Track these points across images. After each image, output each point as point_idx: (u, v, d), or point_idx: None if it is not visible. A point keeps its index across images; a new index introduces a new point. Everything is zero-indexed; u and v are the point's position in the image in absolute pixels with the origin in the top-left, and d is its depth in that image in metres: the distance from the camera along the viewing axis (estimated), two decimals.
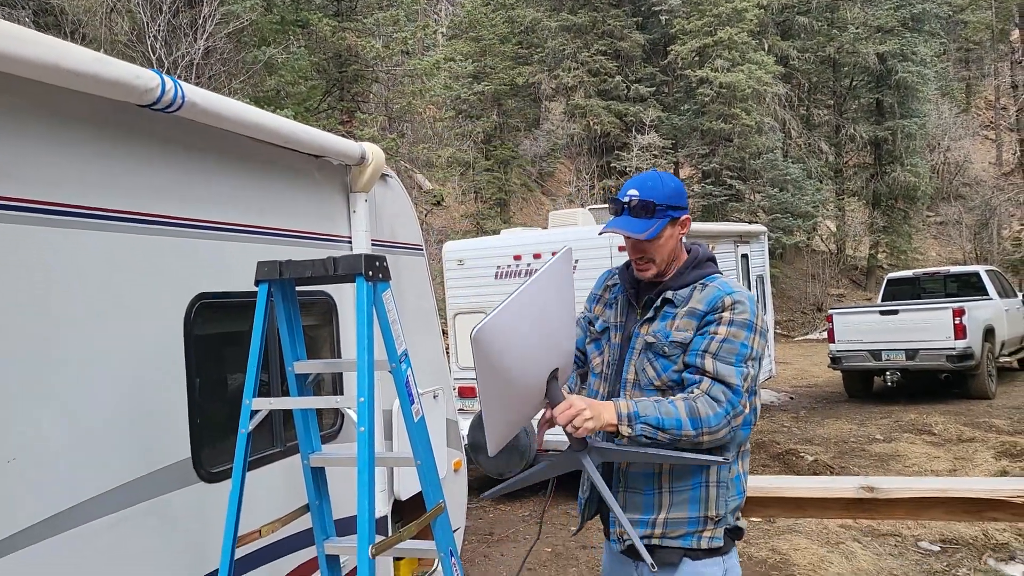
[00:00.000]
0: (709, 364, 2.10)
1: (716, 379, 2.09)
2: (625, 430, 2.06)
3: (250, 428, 2.30)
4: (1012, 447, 8.20)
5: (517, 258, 8.33)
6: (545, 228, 9.25)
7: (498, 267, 8.48)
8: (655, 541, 2.17)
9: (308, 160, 3.20)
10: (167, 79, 2.31)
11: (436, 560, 4.16)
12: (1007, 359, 12.88)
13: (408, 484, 3.65)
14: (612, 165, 24.20)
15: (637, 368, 2.23)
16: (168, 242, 2.48)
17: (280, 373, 2.89)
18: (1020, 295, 13.52)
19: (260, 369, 2.34)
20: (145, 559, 2.30)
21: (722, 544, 2.18)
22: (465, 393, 7.99)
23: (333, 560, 2.65)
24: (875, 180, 28.01)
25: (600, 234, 2.26)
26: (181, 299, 2.52)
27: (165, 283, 2.46)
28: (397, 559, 3.95)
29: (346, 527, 3.11)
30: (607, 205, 2.17)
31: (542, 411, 2.18)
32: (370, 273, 2.26)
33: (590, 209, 9.43)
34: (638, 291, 2.35)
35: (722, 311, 2.15)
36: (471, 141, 22.68)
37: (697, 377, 2.12)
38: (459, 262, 8.75)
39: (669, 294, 2.24)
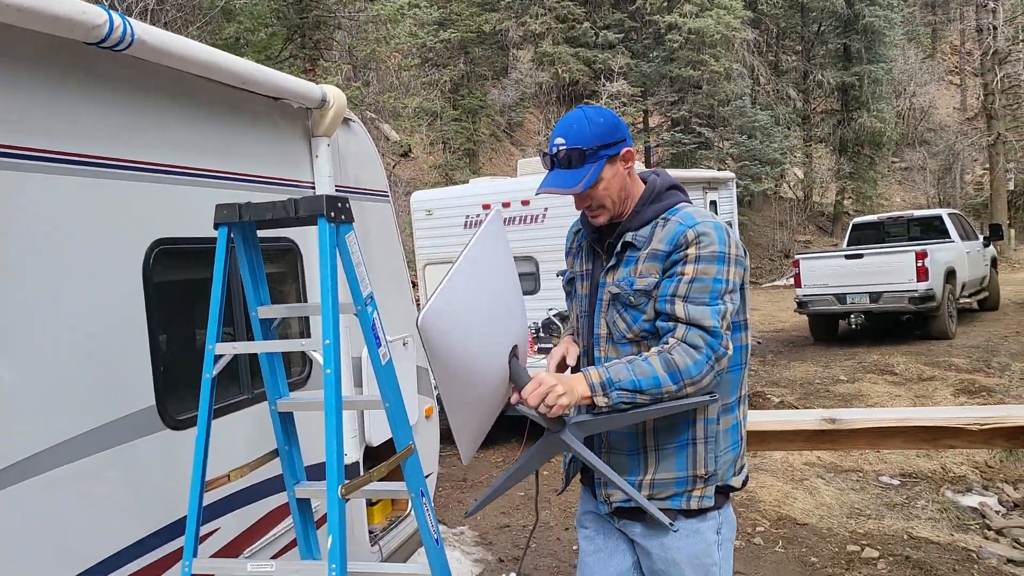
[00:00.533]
0: (680, 309, 1.92)
1: (691, 323, 1.91)
2: (601, 400, 1.91)
3: (214, 373, 2.27)
4: (971, 384, 8.44)
5: (486, 207, 8.27)
6: (514, 177, 9.19)
7: (467, 216, 8.43)
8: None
9: (267, 103, 3.12)
10: (115, 16, 2.22)
11: (409, 504, 4.21)
12: (967, 300, 13.18)
13: (379, 430, 3.66)
14: None
15: (608, 321, 2.07)
16: (124, 186, 2.41)
17: (245, 319, 2.86)
18: (981, 237, 13.77)
19: (222, 314, 2.31)
20: (113, 506, 2.28)
21: (713, 503, 2.04)
22: None
23: (304, 504, 2.66)
24: (842, 126, 28.15)
25: (537, 194, 2.07)
26: (139, 245, 2.46)
27: (122, 229, 2.39)
28: (371, 504, 3.98)
29: (317, 473, 3.12)
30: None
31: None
32: (332, 214, 2.23)
33: None
34: (600, 234, 2.16)
35: (686, 248, 1.95)
36: (438, 90, 22.32)
37: (671, 325, 1.94)
38: (427, 212, 8.68)
39: (629, 236, 2.05)
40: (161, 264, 2.52)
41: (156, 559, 2.41)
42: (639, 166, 2.00)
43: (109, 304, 2.33)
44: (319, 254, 2.22)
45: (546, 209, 7.76)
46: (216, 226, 2.32)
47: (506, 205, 8.13)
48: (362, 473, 3.63)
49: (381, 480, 2.49)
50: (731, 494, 2.14)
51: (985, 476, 5.83)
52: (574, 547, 5.16)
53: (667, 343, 1.92)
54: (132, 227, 2.43)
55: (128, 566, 2.32)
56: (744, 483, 2.16)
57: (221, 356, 2.29)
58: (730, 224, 11.52)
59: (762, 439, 2.72)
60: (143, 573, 2.36)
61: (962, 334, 11.79)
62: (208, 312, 2.32)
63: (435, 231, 8.63)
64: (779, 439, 2.72)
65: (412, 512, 4.25)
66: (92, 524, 2.22)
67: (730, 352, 1.94)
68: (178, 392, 2.57)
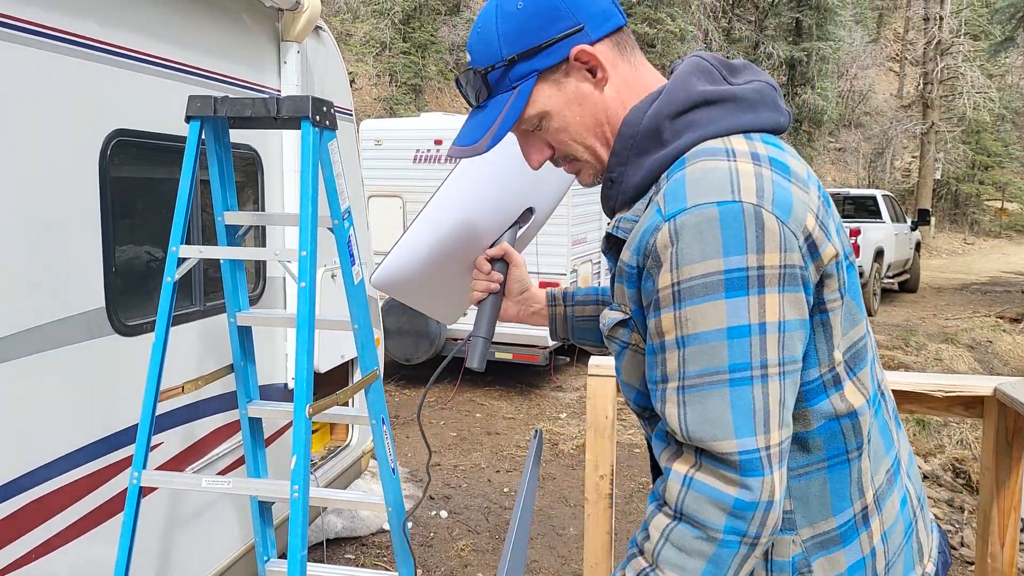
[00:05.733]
0: (672, 414, 0.96)
1: (691, 447, 0.96)
2: None
3: (177, 277, 2.12)
4: (891, 360, 8.78)
5: (438, 143, 8.08)
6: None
7: (417, 151, 8.21)
8: None
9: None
10: None
11: (348, 434, 4.13)
12: (890, 280, 13.67)
13: (328, 355, 3.54)
14: None
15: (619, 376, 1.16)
16: (83, 66, 2.19)
17: (201, 227, 2.69)
18: (909, 221, 14.26)
19: (189, 215, 2.14)
20: (53, 410, 2.12)
21: None
22: None
23: (255, 423, 2.55)
24: (787, 101, 28.54)
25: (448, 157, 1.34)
26: (96, 133, 2.25)
27: (79, 113, 2.18)
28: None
29: (264, 394, 3.00)
30: None
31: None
32: (318, 118, 2.07)
33: None
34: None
35: (657, 268, 0.96)
36: (389, 20, 21.65)
37: (665, 460, 1.00)
38: (377, 142, 8.42)
39: (611, 223, 1.10)
40: (119, 157, 2.32)
41: (96, 469, 2.26)
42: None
43: (60, 193, 2.13)
44: (300, 160, 2.07)
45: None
46: (187, 119, 2.13)
47: None
48: None
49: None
50: None
51: None
52: (504, 489, 5.18)
53: (653, 522, 0.98)
54: (89, 112, 2.22)
55: (67, 474, 2.17)
56: None
57: (185, 260, 2.13)
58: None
59: None
60: (82, 483, 2.22)
61: (883, 312, 12.24)
62: (173, 212, 2.14)
63: (383, 163, 8.39)
64: None
65: (350, 443, 4.18)
66: (29, 428, 2.06)
67: (776, 495, 0.92)
68: (130, 296, 2.40)
